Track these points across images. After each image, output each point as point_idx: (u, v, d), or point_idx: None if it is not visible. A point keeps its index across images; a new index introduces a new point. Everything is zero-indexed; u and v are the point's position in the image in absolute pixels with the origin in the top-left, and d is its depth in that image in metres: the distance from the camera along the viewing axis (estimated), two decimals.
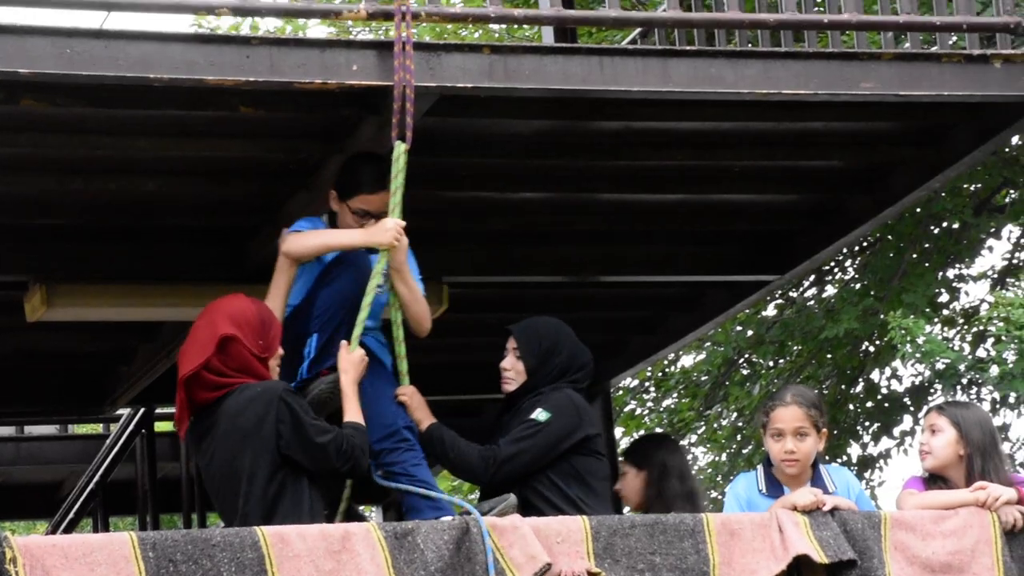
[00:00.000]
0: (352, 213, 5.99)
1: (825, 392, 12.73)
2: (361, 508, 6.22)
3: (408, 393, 6.01)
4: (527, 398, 6.03)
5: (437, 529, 5.35)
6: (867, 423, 13.01)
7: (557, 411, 5.93)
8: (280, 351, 5.75)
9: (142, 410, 9.45)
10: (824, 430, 6.02)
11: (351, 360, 5.82)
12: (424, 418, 6.00)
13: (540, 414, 5.92)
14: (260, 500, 5.48)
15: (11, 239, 6.95)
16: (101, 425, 10.99)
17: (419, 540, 5.30)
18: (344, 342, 5.84)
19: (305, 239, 5.97)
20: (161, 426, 10.08)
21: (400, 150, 5.82)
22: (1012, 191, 12.06)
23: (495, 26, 13.34)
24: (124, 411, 9.57)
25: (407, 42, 5.78)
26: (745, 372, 13.30)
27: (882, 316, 11.15)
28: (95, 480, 9.78)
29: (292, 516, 5.45)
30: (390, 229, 5.84)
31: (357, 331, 5.85)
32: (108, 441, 9.88)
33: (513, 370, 6.08)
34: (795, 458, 5.96)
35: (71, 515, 9.89)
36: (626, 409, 13.99)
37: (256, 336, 5.64)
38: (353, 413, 5.73)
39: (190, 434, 5.69)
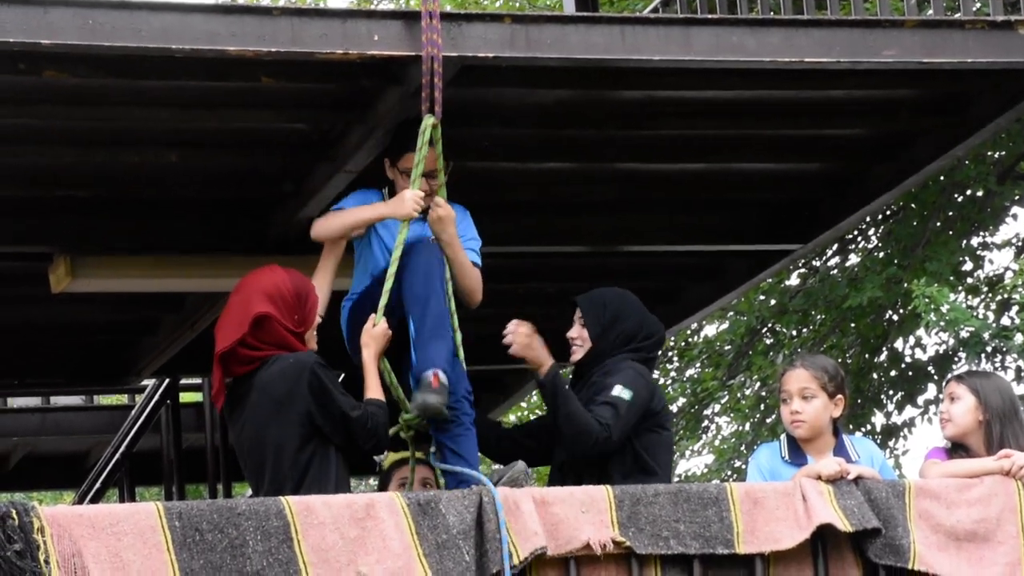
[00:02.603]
0: (401, 174, 5.99)
1: (849, 361, 12.72)
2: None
3: (526, 331, 5.94)
4: (595, 369, 6.02)
5: (458, 496, 5.40)
6: (891, 392, 13.00)
7: (636, 390, 5.92)
8: (318, 321, 5.77)
9: (167, 381, 9.49)
10: (840, 396, 6.00)
11: (373, 334, 5.81)
12: (544, 359, 5.94)
13: (624, 392, 5.89)
14: (290, 471, 5.51)
15: (36, 211, 6.98)
16: (126, 396, 11.04)
17: (441, 507, 5.34)
18: (372, 316, 5.83)
19: (328, 221, 6.01)
20: (186, 397, 10.12)
21: (427, 123, 5.82)
22: None
23: None
24: (149, 382, 9.61)
25: (434, 14, 5.78)
26: (768, 341, 13.29)
27: (906, 284, 11.13)
28: (121, 450, 9.82)
29: (320, 486, 5.48)
30: (408, 200, 5.86)
31: (382, 302, 5.84)
32: (133, 412, 9.92)
33: (580, 338, 6.10)
34: (800, 419, 5.97)
35: (97, 485, 9.94)
36: None
37: (291, 311, 5.65)
38: (373, 390, 5.73)
39: (226, 404, 5.73)
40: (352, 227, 5.98)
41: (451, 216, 5.94)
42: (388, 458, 6.36)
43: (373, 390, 5.74)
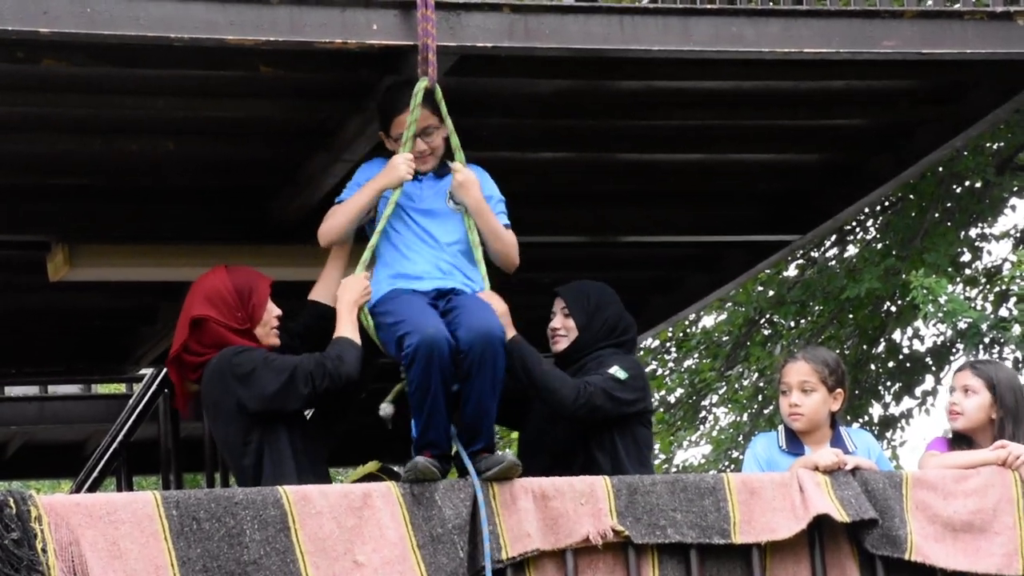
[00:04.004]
0: (396, 141, 5.89)
1: (846, 352, 12.72)
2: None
3: (492, 297, 5.82)
4: (588, 357, 6.01)
5: (455, 488, 5.40)
6: (889, 383, 13.01)
7: (632, 376, 5.93)
8: (275, 313, 5.73)
9: (164, 370, 9.48)
10: (839, 391, 5.99)
11: (349, 285, 5.70)
12: (507, 327, 5.81)
13: (619, 372, 5.90)
14: (242, 469, 5.54)
15: (34, 199, 6.98)
16: (124, 385, 11.04)
17: (437, 497, 5.34)
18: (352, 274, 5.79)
19: (330, 221, 5.83)
20: None
21: (420, 85, 5.78)
22: None
23: None
24: (147, 371, 9.61)
25: None
26: (766, 332, 13.30)
27: (904, 276, 11.13)
28: (118, 439, 9.82)
29: (276, 476, 5.47)
30: (400, 164, 5.78)
31: (365, 256, 5.78)
32: (131, 401, 9.92)
33: (563, 328, 6.10)
34: (799, 412, 5.97)
35: (95, 474, 9.94)
36: (647, 370, 14.01)
37: (232, 310, 5.67)
38: (340, 330, 5.63)
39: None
40: (358, 214, 5.82)
41: (472, 180, 5.83)
42: (352, 474, 6.31)
43: (340, 330, 5.63)
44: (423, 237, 5.81)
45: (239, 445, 5.53)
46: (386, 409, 5.77)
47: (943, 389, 12.43)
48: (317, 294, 5.92)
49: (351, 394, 5.66)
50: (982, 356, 11.91)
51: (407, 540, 5.24)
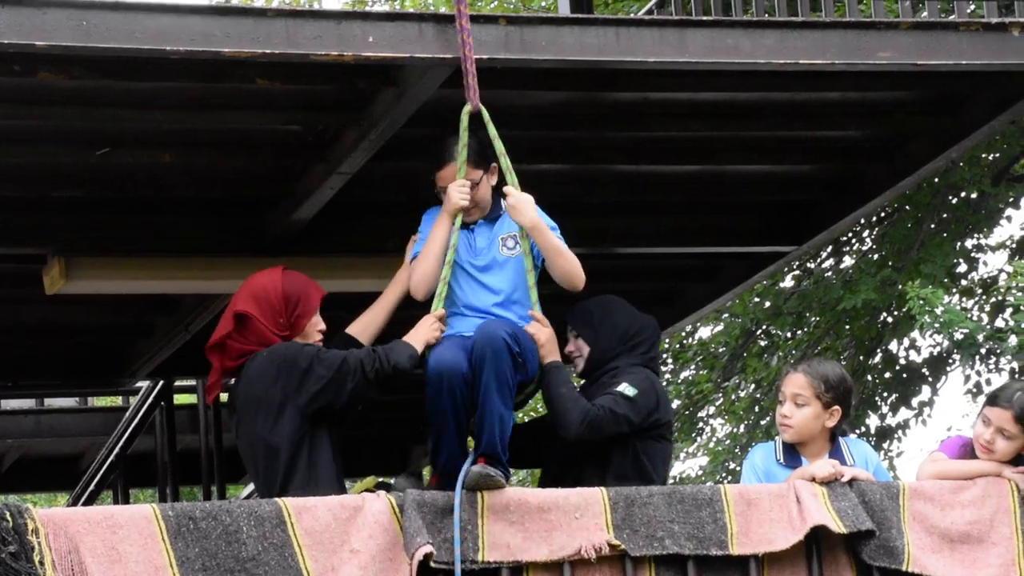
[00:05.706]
0: (444, 192, 5.97)
1: (843, 363, 12.73)
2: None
3: (540, 324, 5.89)
4: (605, 374, 6.04)
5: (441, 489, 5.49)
6: (885, 394, 13.02)
7: (642, 391, 5.94)
8: (319, 327, 5.78)
9: (161, 383, 9.49)
10: (836, 407, 5.97)
11: (424, 319, 5.80)
12: (549, 354, 5.89)
13: (628, 389, 5.92)
14: (277, 464, 5.55)
15: (30, 212, 6.98)
16: (120, 398, 11.04)
17: (425, 497, 5.40)
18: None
19: (418, 272, 5.89)
20: (180, 399, 10.12)
21: (464, 110, 5.85)
22: None
23: None
24: (143, 384, 9.61)
25: (463, 6, 5.79)
26: (763, 343, 13.31)
27: (900, 286, 11.14)
28: (115, 452, 9.83)
29: (310, 473, 5.52)
30: (452, 194, 5.85)
31: (436, 304, 5.84)
32: (127, 414, 9.92)
33: (576, 349, 6.15)
34: (788, 423, 5.97)
35: (91, 487, 9.95)
36: None
37: (275, 314, 5.70)
38: (408, 336, 5.75)
39: (229, 407, 5.80)
40: (438, 254, 5.86)
41: (524, 201, 5.86)
42: (354, 488, 6.38)
43: (407, 336, 5.74)
44: (480, 293, 5.87)
45: (277, 441, 5.54)
46: (400, 483, 5.90)
47: (940, 400, 12.44)
48: (353, 329, 5.98)
49: (350, 407, 5.69)
50: (978, 367, 11.89)
51: (397, 526, 5.29)
